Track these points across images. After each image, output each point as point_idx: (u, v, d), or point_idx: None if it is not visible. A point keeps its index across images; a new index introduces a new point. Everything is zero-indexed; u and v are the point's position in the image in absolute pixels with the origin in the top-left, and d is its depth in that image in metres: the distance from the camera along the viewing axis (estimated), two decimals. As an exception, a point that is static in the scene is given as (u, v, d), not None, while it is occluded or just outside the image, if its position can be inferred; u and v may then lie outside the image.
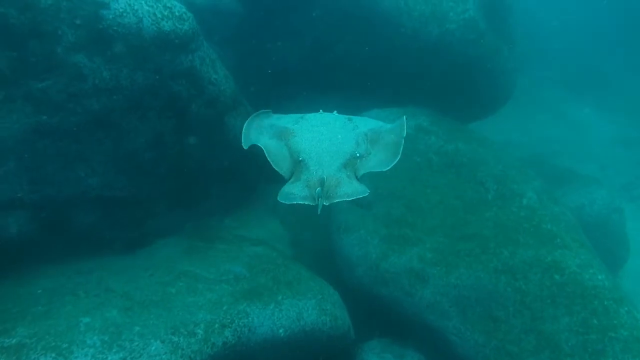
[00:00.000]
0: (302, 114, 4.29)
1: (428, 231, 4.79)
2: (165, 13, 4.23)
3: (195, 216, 5.91)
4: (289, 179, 3.62)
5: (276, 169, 3.69)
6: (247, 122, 4.02)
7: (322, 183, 3.40)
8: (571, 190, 6.50)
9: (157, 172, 4.91)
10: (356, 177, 3.66)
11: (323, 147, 3.73)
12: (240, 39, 7.51)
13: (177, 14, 4.39)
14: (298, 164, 3.63)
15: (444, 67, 6.07)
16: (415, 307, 4.39)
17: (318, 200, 3.33)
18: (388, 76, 6.35)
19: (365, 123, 4.18)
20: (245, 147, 3.88)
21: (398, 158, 3.72)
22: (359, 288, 4.85)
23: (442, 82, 6.25)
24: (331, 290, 4.68)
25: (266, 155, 3.76)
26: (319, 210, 3.33)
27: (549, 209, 4.74)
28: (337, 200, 3.43)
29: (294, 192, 3.45)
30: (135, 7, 3.86)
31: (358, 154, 3.75)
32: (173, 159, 5.03)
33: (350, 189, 3.52)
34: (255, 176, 6.91)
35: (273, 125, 4.11)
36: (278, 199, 3.45)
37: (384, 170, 3.71)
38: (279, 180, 8.31)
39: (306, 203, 3.36)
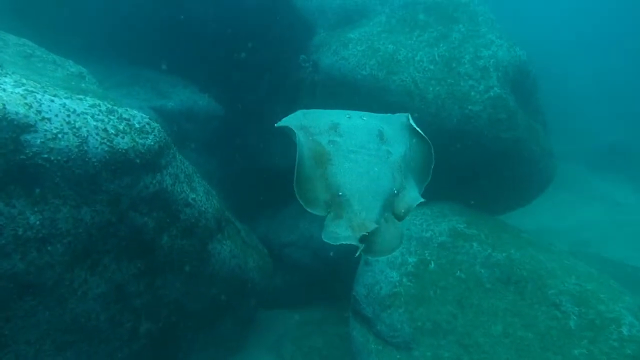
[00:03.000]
0: (334, 121, 4.21)
1: (498, 382, 3.61)
2: (121, 127, 3.40)
3: (175, 379, 4.69)
4: (325, 212, 3.53)
5: (309, 194, 3.62)
6: (288, 120, 4.03)
7: (365, 228, 3.31)
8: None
9: (118, 334, 3.79)
10: (395, 217, 3.62)
11: (363, 184, 3.68)
12: (222, 143, 6.79)
13: (137, 126, 3.57)
14: (336, 198, 3.55)
15: (472, 154, 5.26)
16: None
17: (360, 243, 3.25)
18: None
19: (396, 141, 4.17)
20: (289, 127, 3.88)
21: (427, 181, 3.89)
22: None
23: (470, 171, 5.42)
24: None
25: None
26: (357, 253, 3.25)
27: (659, 337, 3.63)
28: (374, 257, 3.41)
29: (338, 232, 3.35)
30: (77, 125, 3.01)
31: (396, 191, 3.75)
32: (140, 312, 3.94)
33: (387, 238, 3.46)
34: (251, 305, 5.80)
35: (307, 130, 4.09)
36: (323, 238, 3.34)
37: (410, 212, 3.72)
38: (280, 305, 7.05)
39: (349, 243, 3.27)
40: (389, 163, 3.94)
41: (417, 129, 4.26)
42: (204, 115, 6.32)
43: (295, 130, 3.92)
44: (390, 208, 3.65)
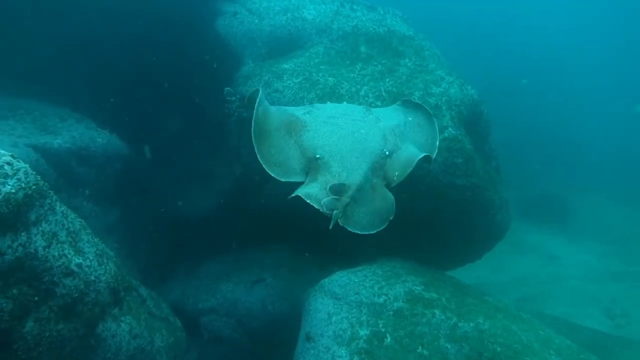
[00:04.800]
0: (310, 105, 3.90)
1: None
2: (-40, 167, 2.37)
3: None
4: (302, 178, 3.14)
5: (275, 174, 3.10)
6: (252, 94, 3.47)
7: (341, 191, 2.99)
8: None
9: None
10: (386, 184, 3.28)
11: (346, 144, 3.26)
12: (126, 189, 5.72)
13: (-10, 166, 2.55)
14: (313, 162, 3.16)
15: (424, 204, 4.68)
16: None
17: (333, 211, 2.91)
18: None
19: (387, 116, 3.72)
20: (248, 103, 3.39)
21: (436, 149, 3.47)
22: None
23: (422, 223, 4.81)
24: None
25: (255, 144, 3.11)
26: (331, 224, 2.91)
27: None
28: (354, 230, 3.09)
29: (307, 191, 2.99)
30: None
31: (387, 152, 3.34)
32: None
33: (371, 209, 3.11)
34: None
35: (279, 108, 3.62)
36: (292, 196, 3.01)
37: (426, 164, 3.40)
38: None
39: (320, 210, 2.96)
40: (379, 127, 3.50)
41: (416, 101, 3.90)
42: (103, 156, 5.25)
43: (260, 98, 3.37)
44: (380, 173, 3.24)
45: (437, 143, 3.52)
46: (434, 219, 4.83)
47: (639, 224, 12.86)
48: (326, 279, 4.38)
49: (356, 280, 4.30)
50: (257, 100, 3.30)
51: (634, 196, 14.25)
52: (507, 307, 4.29)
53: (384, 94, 4.70)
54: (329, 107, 3.70)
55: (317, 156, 3.15)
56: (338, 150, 3.20)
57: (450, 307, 4.09)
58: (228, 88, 5.21)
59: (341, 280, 4.30)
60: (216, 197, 5.87)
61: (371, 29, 5.52)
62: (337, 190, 2.98)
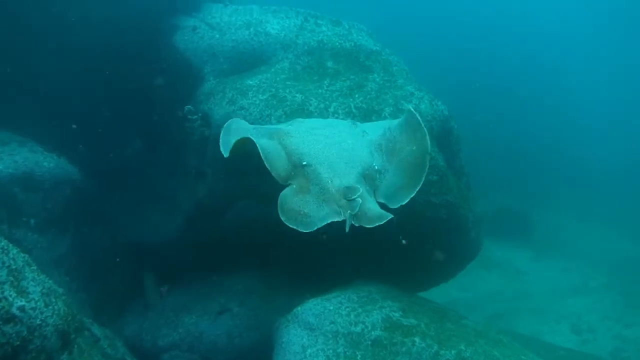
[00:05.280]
0: (293, 119, 3.80)
1: None
2: None
3: None
4: (285, 184, 3.06)
5: (268, 166, 3.03)
6: (224, 127, 3.47)
7: (348, 193, 2.95)
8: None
9: None
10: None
11: (333, 152, 3.18)
12: (78, 216, 5.31)
13: None
14: (299, 170, 3.06)
15: (399, 223, 4.50)
16: None
17: (346, 214, 2.89)
18: (318, 248, 4.57)
19: (374, 130, 3.64)
20: (225, 154, 3.21)
21: (422, 182, 3.30)
22: None
23: (397, 243, 4.64)
24: None
25: (260, 150, 3.02)
26: (347, 227, 2.87)
27: None
28: (369, 225, 2.97)
29: (310, 214, 2.89)
30: None
31: (377, 167, 3.26)
32: None
33: (376, 210, 3.04)
34: None
35: (258, 127, 3.54)
36: (287, 223, 2.87)
37: (406, 200, 3.28)
38: None
39: (331, 221, 2.91)
40: (366, 140, 3.41)
41: (410, 108, 3.64)
42: (51, 181, 4.85)
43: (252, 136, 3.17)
44: (371, 184, 3.17)
45: (425, 173, 3.34)
46: (410, 239, 4.68)
47: (595, 238, 13.24)
48: (299, 308, 4.14)
49: (331, 308, 4.07)
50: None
51: (590, 211, 14.67)
52: (487, 331, 4.15)
53: (354, 110, 4.55)
54: (313, 120, 3.62)
55: (304, 163, 3.04)
56: (325, 157, 3.09)
57: (430, 334, 3.91)
58: (189, 106, 4.94)
59: (315, 308, 4.06)
60: (177, 221, 5.53)
61: (337, 43, 5.39)
62: (341, 194, 2.95)
